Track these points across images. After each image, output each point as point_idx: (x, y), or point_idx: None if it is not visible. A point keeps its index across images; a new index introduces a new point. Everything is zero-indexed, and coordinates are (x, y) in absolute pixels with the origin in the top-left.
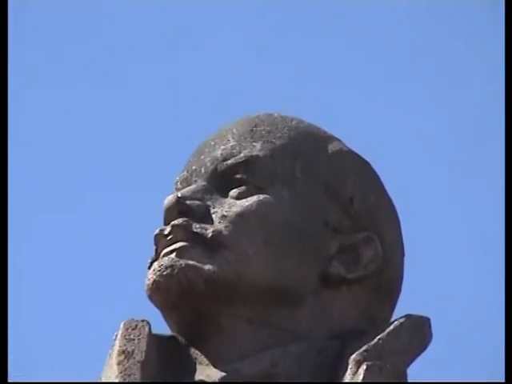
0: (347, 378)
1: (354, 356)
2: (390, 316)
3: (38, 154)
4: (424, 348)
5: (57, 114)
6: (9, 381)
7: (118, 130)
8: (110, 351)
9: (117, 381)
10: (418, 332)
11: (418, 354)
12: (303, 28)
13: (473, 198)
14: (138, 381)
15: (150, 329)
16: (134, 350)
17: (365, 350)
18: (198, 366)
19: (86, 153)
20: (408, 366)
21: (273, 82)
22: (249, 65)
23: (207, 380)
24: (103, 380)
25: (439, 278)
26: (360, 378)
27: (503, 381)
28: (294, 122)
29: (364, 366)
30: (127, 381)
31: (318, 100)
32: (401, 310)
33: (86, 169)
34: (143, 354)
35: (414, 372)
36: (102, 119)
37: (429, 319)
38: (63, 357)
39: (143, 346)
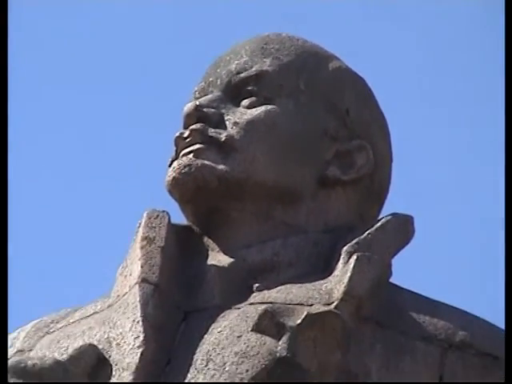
0: (339, 267)
1: (346, 248)
2: (378, 214)
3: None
4: (407, 242)
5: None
6: (9, 381)
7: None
8: (134, 237)
9: (140, 263)
10: (402, 228)
11: (402, 247)
12: None
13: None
14: (158, 265)
15: (169, 218)
16: (155, 237)
17: (355, 243)
18: (210, 253)
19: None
20: (393, 257)
21: (283, 6)
22: None
23: (218, 264)
24: (128, 262)
25: (424, 182)
26: (351, 266)
27: (503, 381)
28: (299, 42)
29: (355, 256)
30: (148, 264)
31: (322, 23)
32: (388, 209)
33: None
34: (163, 239)
35: (398, 263)
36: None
37: (412, 217)
38: (96, 239)
39: (163, 233)
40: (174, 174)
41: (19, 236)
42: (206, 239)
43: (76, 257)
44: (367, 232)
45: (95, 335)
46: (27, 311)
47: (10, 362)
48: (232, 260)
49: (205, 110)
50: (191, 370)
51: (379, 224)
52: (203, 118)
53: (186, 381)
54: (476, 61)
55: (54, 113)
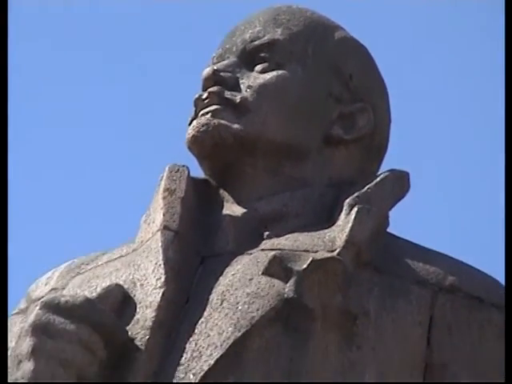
0: (342, 218)
1: (348, 200)
2: (378, 170)
3: None
4: (403, 196)
5: None
6: (9, 381)
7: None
8: (157, 188)
9: (162, 211)
10: (399, 183)
11: (398, 201)
12: None
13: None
14: (178, 214)
15: (188, 172)
16: (176, 189)
17: (357, 196)
18: (225, 203)
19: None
20: (390, 209)
21: None
22: None
23: (232, 214)
24: (151, 211)
25: (418, 141)
26: (352, 217)
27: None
28: (308, 13)
29: (356, 208)
30: (170, 213)
31: None
32: (386, 166)
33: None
34: (183, 191)
35: (395, 214)
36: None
37: (408, 173)
38: (123, 191)
39: (183, 185)
40: (193, 132)
41: (56, 191)
42: (221, 191)
43: (106, 207)
44: (367, 186)
45: (121, 276)
46: (70, 254)
47: (45, 298)
48: (245, 210)
49: (222, 74)
50: (207, 309)
51: (378, 179)
52: (220, 81)
53: (203, 319)
54: (473, 27)
55: (78, 75)
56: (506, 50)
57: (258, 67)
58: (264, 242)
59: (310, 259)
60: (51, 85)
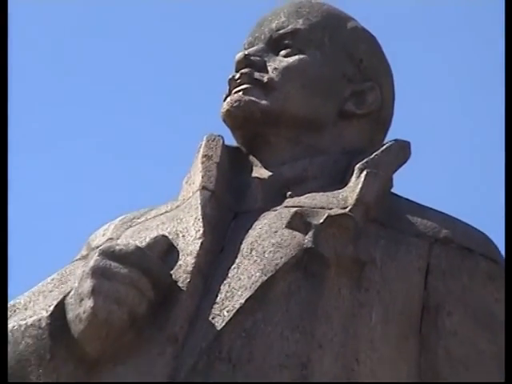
0: (353, 180)
1: (358, 165)
2: (383, 140)
3: None
4: (405, 162)
5: None
6: (9, 380)
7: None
8: (196, 154)
9: (200, 174)
10: (402, 151)
11: (401, 166)
12: None
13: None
14: (214, 176)
15: (223, 141)
16: (212, 155)
17: (365, 162)
18: (254, 168)
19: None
20: (393, 173)
21: None
22: None
23: (260, 177)
24: (191, 173)
25: (420, 115)
26: (361, 179)
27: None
28: (325, 7)
29: (365, 172)
30: (207, 175)
31: None
32: (390, 136)
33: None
34: (219, 157)
35: (397, 177)
36: None
37: (409, 143)
38: (169, 157)
39: (219, 151)
40: (227, 107)
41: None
42: (251, 157)
43: (156, 170)
44: (375, 153)
45: (166, 228)
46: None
47: (102, 246)
48: (271, 174)
49: (252, 58)
50: (238, 257)
51: (384, 147)
52: (250, 64)
53: (235, 265)
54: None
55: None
56: (505, 38)
57: (283, 52)
58: (287, 200)
59: (326, 215)
60: (84, 64)
